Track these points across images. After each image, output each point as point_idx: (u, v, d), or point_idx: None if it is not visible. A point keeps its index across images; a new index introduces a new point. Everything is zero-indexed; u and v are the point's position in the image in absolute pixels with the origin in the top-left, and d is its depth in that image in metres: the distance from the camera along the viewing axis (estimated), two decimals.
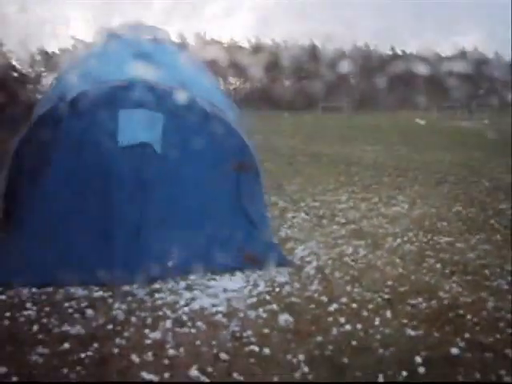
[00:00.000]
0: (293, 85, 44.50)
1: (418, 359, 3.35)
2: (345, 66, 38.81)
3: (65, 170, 4.56)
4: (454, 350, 3.47)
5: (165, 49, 5.64)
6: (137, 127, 4.57)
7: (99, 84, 4.66)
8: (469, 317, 3.98)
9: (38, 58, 34.75)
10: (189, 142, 4.64)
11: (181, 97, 4.64)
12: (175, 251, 4.49)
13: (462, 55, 43.97)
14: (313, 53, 43.34)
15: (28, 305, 4.13)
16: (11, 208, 4.61)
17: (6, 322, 3.86)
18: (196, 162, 4.73)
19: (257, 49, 42.04)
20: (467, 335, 3.69)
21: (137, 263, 4.40)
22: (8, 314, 3.96)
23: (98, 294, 4.36)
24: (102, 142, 4.49)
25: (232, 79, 42.52)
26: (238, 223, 4.89)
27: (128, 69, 4.76)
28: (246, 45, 43.92)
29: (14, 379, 3.10)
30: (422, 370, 3.24)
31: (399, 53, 45.14)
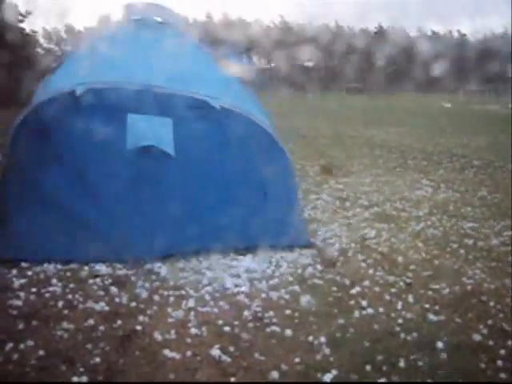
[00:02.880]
0: (317, 65, 44.17)
1: (440, 345, 3.34)
2: (370, 47, 38.34)
3: (69, 168, 4.56)
4: (477, 337, 3.46)
5: (174, 38, 5.55)
6: (146, 132, 4.56)
7: (109, 83, 4.61)
8: (492, 303, 3.96)
9: (65, 35, 34.89)
10: (201, 143, 4.65)
11: (189, 99, 4.65)
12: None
13: (490, 37, 43.15)
14: (338, 33, 42.86)
15: (54, 281, 4.19)
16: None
17: (33, 298, 3.93)
18: (212, 158, 4.73)
19: (282, 29, 41.70)
20: (490, 322, 3.67)
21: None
22: (34, 290, 4.03)
23: (122, 271, 4.41)
24: (108, 143, 4.50)
25: (256, 60, 42.28)
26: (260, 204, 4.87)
27: (137, 68, 4.76)
28: (270, 25, 43.56)
29: (41, 353, 3.17)
30: (443, 355, 3.23)
31: (428, 33, 44.46)
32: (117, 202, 4.56)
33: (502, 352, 3.27)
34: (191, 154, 4.63)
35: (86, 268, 4.43)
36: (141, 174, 4.56)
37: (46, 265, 4.44)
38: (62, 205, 4.54)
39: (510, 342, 3.39)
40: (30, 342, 3.26)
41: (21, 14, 19.73)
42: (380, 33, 44.57)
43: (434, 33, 44.86)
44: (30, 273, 4.33)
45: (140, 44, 5.15)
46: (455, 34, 55.35)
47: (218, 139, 4.69)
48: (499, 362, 3.16)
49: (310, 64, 43.79)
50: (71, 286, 4.13)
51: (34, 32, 21.80)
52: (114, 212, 4.55)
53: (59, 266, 4.43)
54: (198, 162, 4.68)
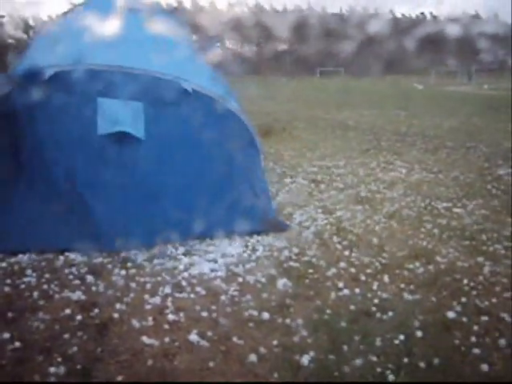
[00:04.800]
0: (291, 49, 44.09)
1: (416, 323, 3.39)
2: (341, 31, 38.37)
3: (38, 153, 4.49)
4: (451, 314, 3.52)
5: (142, 20, 5.45)
6: (116, 116, 4.50)
7: (76, 65, 4.49)
8: (465, 281, 4.02)
9: (33, 23, 34.29)
10: (171, 126, 4.60)
11: (159, 81, 4.58)
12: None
13: (461, 17, 43.45)
14: (311, 17, 42.78)
15: (28, 271, 4.15)
16: None
17: (7, 289, 3.89)
18: (183, 142, 4.68)
19: (256, 13, 41.49)
20: (464, 299, 3.73)
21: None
22: (9, 281, 3.99)
23: (98, 260, 4.38)
24: (78, 128, 4.44)
25: (230, 43, 42.03)
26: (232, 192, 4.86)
27: (104, 50, 4.67)
28: (244, 8, 43.30)
29: (17, 344, 3.14)
30: (419, 333, 3.28)
31: (398, 15, 44.62)
32: (87, 186, 4.53)
33: (475, 328, 3.34)
34: (159, 136, 4.59)
35: (61, 257, 4.40)
36: (108, 156, 4.52)
37: (20, 255, 4.39)
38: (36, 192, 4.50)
39: (482, 318, 3.46)
40: (6, 335, 3.23)
41: None
42: (351, 15, 44.68)
43: (403, 15, 45.17)
44: (3, 264, 4.28)
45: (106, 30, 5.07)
46: (427, 16, 55.72)
47: (185, 121, 4.65)
48: (472, 338, 3.22)
49: (283, 48, 43.70)
50: (46, 275, 4.09)
51: (1, 16, 21.44)
52: (86, 195, 4.51)
53: (34, 256, 4.39)
54: (165, 144, 4.64)
